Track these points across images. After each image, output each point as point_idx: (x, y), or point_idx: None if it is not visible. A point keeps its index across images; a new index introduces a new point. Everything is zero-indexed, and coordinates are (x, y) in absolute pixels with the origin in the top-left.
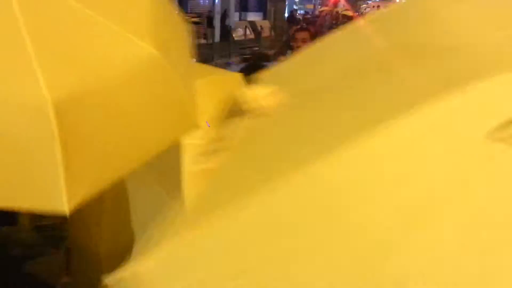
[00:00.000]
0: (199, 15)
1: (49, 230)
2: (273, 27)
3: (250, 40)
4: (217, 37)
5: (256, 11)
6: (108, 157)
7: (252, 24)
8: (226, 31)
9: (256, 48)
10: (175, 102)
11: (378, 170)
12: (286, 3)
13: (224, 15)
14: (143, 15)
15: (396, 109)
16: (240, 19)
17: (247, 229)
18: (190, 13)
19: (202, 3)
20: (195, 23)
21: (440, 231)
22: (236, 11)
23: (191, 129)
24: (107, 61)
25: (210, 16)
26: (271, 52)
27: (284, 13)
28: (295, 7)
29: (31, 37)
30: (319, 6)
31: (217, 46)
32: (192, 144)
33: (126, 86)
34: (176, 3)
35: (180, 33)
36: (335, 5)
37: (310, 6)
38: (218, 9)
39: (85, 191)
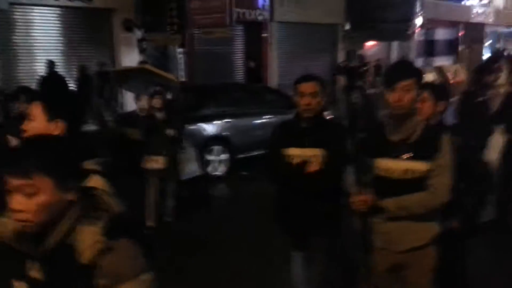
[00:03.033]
0: (363, 65)
1: None
2: (470, 71)
3: None
4: None
5: (445, 54)
6: None
7: (439, 69)
8: None
9: None
10: None
11: None
12: (486, 44)
13: None
14: None
15: None
16: (425, 65)
17: None
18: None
19: (373, 52)
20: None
21: None
22: (419, 57)
23: None
24: None
25: (379, 65)
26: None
27: (482, 55)
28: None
29: None
30: None
31: None
32: None
33: None
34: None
35: None
36: None
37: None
38: (394, 55)
39: None
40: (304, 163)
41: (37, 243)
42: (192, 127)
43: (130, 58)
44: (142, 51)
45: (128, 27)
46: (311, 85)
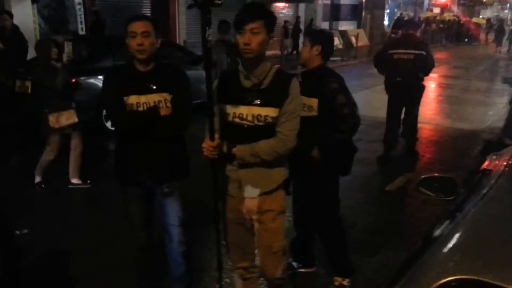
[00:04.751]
0: None
1: None
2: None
3: (340, 50)
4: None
5: (349, 19)
6: None
7: (343, 34)
8: None
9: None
10: None
11: None
12: (386, 11)
13: (310, 25)
14: None
15: None
16: (330, 29)
17: None
18: None
19: (281, 14)
20: None
21: None
22: (325, 20)
23: None
24: None
25: (286, 27)
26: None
27: (383, 21)
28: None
29: None
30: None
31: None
32: None
33: None
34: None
35: None
36: (443, 10)
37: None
38: (302, 18)
39: None
40: (155, 108)
41: None
42: (91, 80)
43: (22, 8)
44: (34, 0)
45: None
46: (143, 24)
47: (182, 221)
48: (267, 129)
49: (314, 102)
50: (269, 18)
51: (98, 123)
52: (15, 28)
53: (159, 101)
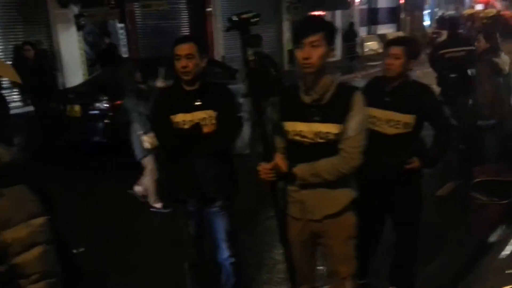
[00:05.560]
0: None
1: None
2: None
3: (380, 54)
4: (337, 54)
5: (388, 22)
6: None
7: (382, 37)
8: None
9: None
10: None
11: None
12: (426, 11)
13: (350, 30)
14: None
15: None
16: (369, 33)
17: None
18: None
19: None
20: None
21: None
22: (363, 25)
23: None
24: None
25: None
26: None
27: (423, 21)
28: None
29: None
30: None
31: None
32: None
33: None
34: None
35: None
36: (487, 5)
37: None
38: (338, 24)
39: None
40: (197, 125)
41: None
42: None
43: (68, 36)
44: (80, 27)
45: (64, 3)
46: (187, 46)
47: (230, 236)
48: (329, 147)
49: (411, 119)
50: (330, 30)
51: None
52: (39, 58)
53: (204, 118)
